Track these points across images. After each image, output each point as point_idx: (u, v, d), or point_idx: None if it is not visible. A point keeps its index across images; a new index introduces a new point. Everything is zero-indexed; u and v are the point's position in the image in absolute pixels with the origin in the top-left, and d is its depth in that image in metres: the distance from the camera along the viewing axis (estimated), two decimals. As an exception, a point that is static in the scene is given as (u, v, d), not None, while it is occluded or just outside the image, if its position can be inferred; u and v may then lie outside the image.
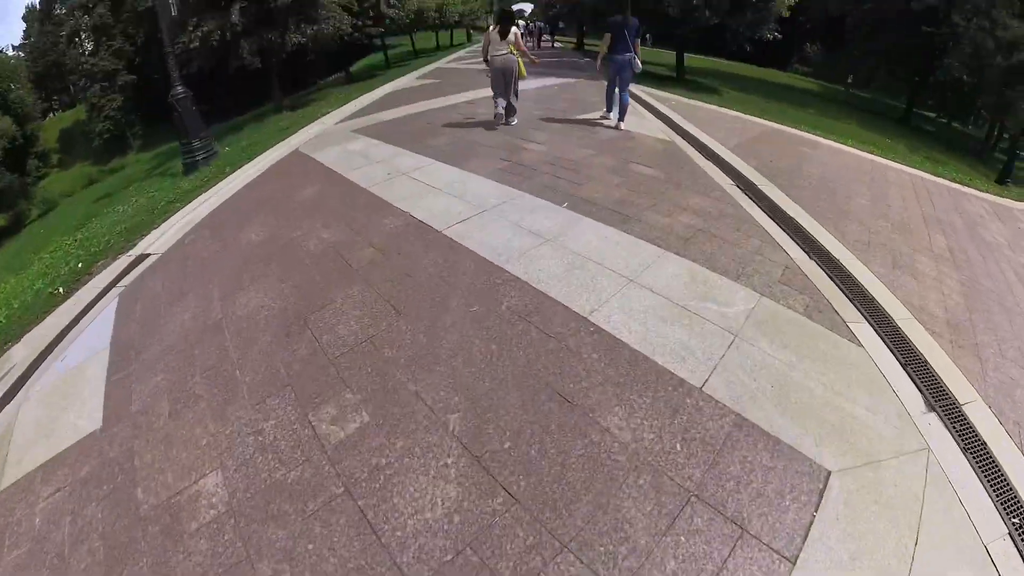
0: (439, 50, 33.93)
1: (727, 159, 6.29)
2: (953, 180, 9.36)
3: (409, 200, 4.91)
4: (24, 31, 54.01)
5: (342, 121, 9.18)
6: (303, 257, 4.10)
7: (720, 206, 4.86)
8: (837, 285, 3.59)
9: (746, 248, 4.00)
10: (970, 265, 4.99)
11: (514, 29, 6.99)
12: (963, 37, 16.28)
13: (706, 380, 2.61)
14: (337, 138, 7.87)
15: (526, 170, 5.64)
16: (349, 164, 6.31)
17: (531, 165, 5.82)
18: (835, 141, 9.19)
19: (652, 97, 10.39)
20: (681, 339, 2.89)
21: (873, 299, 3.48)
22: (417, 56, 28.86)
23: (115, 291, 4.37)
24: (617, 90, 7.42)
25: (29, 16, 52.96)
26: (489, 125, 7.63)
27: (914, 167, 9.22)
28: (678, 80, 15.25)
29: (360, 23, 14.99)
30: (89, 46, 32.76)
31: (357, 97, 12.04)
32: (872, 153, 9.08)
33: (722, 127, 8.46)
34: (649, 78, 13.42)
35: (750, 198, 5.17)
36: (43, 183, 33.79)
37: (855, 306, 3.37)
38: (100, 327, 3.84)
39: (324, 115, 10.04)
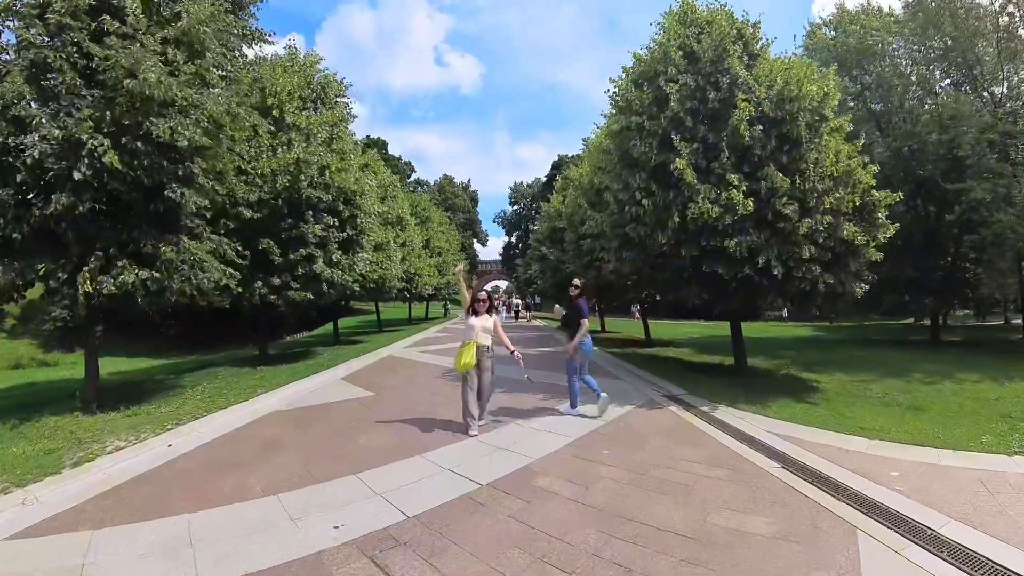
0: (410, 323, 30.71)
1: None
2: None
3: None
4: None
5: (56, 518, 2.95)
6: None
7: None
8: None
9: None
10: None
11: (494, 317, 5.92)
12: (1007, 232, 14.48)
13: None
14: None
15: None
16: None
17: None
18: None
19: (810, 450, 4.78)
20: None
21: None
22: (381, 330, 24.98)
23: None
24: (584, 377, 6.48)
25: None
26: None
27: None
28: (743, 374, 10.11)
29: (281, 281, 10.16)
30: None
31: (201, 416, 6.28)
32: None
33: None
34: (691, 376, 8.50)
35: None
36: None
37: None
38: None
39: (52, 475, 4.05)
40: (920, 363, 12.76)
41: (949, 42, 18.16)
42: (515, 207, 77.39)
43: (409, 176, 67.09)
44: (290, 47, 13.29)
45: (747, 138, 7.43)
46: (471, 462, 4.54)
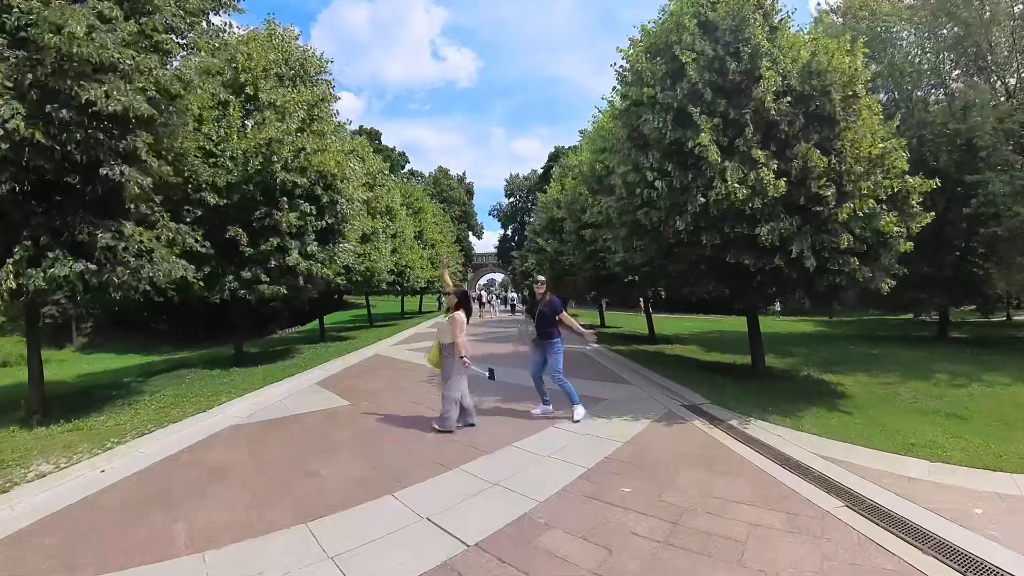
0: (403, 318, 29.87)
1: None
2: None
3: None
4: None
5: None
6: None
7: None
8: None
9: None
10: None
11: (452, 315, 5.67)
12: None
13: None
14: None
15: None
16: None
17: None
18: None
19: (867, 478, 4.11)
20: None
21: None
22: (371, 324, 24.10)
23: None
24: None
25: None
26: None
27: None
28: (761, 376, 9.28)
29: (251, 272, 9.24)
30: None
31: (148, 432, 5.50)
32: None
33: None
34: (707, 379, 7.82)
35: None
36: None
37: None
38: None
39: None
40: (939, 362, 12.05)
41: (961, 31, 17.46)
42: (511, 199, 76.28)
43: (403, 167, 65.84)
44: (268, 21, 12.34)
45: (773, 112, 6.57)
46: (455, 506, 3.58)
